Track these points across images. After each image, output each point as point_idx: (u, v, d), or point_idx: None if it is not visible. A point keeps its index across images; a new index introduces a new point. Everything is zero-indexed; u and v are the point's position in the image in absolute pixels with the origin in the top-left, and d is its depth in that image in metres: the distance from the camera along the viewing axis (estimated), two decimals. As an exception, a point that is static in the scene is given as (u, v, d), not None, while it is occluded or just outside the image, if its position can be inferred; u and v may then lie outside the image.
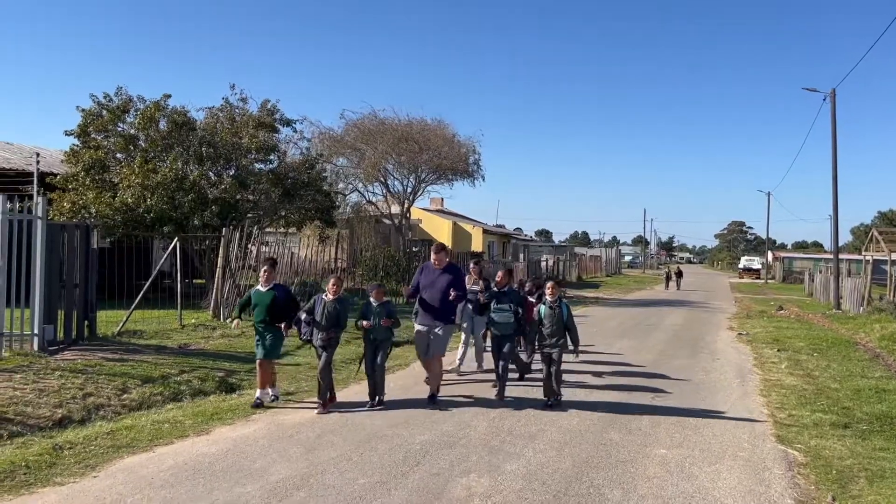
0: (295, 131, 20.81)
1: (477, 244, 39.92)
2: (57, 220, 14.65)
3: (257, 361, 8.42)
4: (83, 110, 17.44)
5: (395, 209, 30.76)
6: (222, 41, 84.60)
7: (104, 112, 17.41)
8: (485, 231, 42.91)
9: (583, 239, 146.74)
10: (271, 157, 19.14)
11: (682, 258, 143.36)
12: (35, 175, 14.84)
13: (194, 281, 19.33)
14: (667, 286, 41.88)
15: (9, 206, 9.86)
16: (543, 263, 42.38)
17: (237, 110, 18.92)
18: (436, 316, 8.73)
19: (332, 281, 8.44)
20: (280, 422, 7.56)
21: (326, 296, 8.32)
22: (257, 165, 18.78)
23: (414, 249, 27.76)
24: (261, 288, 8.46)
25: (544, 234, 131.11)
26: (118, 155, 17.60)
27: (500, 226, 59.70)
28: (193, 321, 14.28)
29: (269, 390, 8.44)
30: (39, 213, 10.29)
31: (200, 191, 16.89)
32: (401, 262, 24.98)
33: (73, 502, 5.08)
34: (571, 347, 8.65)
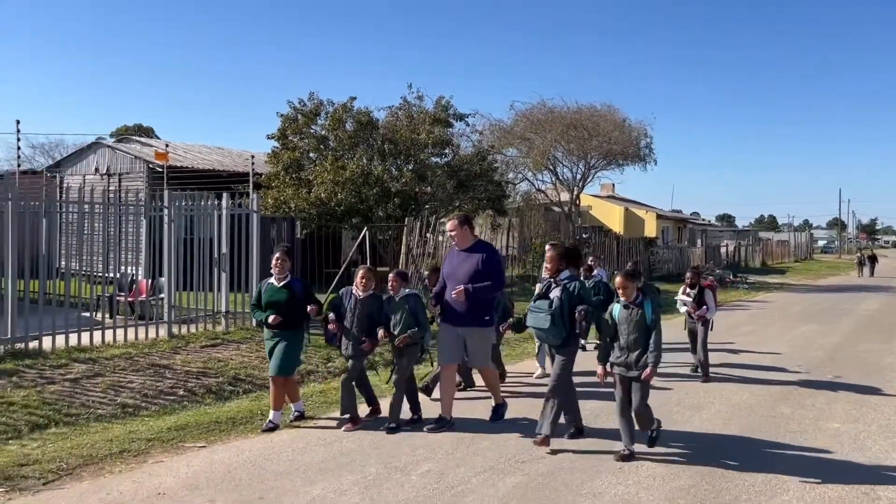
0: (467, 125, 21.80)
1: (650, 230, 39.11)
2: (264, 214, 16.64)
3: (270, 377, 6.75)
4: (282, 115, 19.49)
5: (565, 196, 31.02)
6: (399, 41, 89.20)
7: (299, 116, 19.34)
8: (658, 216, 41.88)
9: (769, 223, 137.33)
10: (446, 150, 20.23)
11: (886, 241, 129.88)
12: (251, 175, 16.96)
13: (378, 268, 20.95)
14: (860, 273, 38.57)
15: (231, 202, 11.55)
16: (723, 249, 40.60)
17: (415, 108, 20.18)
18: (460, 319, 6.51)
19: (359, 273, 6.69)
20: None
21: (356, 290, 6.63)
22: (434, 159, 19.94)
23: (584, 236, 27.93)
24: (274, 282, 6.70)
25: (726, 219, 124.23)
26: (311, 154, 19.48)
27: (677, 211, 57.71)
28: (380, 303, 15.64)
29: (292, 406, 6.93)
30: (254, 208, 11.92)
31: (384, 185, 18.31)
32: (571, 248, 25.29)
33: (316, 435, 6.16)
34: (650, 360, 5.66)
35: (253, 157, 18.47)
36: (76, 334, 9.18)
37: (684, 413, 7.26)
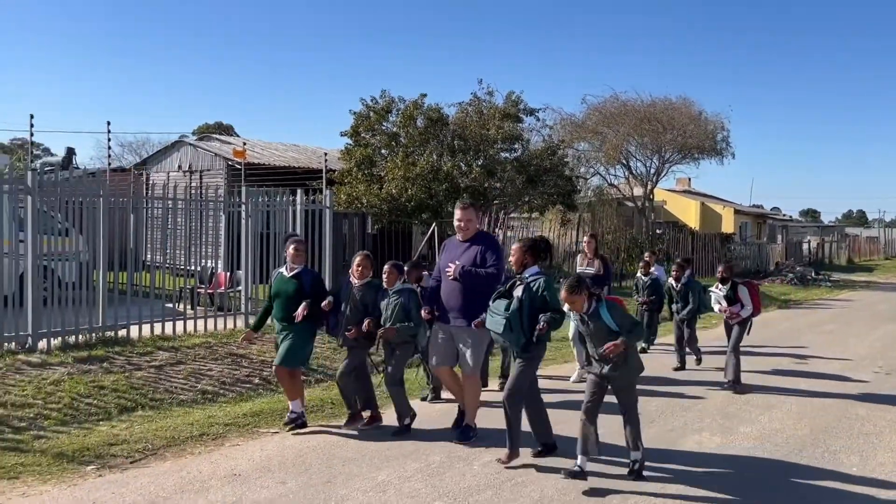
0: (538, 120, 21.73)
1: (728, 225, 38.00)
2: (337, 209, 17.08)
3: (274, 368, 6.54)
4: (355, 113, 19.91)
5: (638, 191, 30.50)
6: (469, 36, 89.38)
7: (371, 114, 19.72)
8: (736, 211, 40.62)
9: (858, 218, 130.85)
10: (516, 145, 20.23)
11: None
12: (324, 172, 17.45)
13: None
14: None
15: (305, 198, 11.93)
16: (805, 246, 39.09)
17: (484, 104, 20.26)
18: (456, 315, 5.89)
19: (356, 259, 6.38)
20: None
21: (352, 278, 6.35)
22: (503, 154, 19.98)
23: (658, 232, 27.41)
24: (284, 272, 6.46)
25: (810, 214, 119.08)
26: (383, 151, 19.84)
27: (757, 205, 55.80)
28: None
29: (290, 404, 6.49)
30: (327, 204, 12.28)
31: (453, 180, 18.48)
32: (644, 244, 24.87)
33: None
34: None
35: (326, 154, 18.96)
36: (160, 324, 9.68)
37: (753, 411, 7.13)
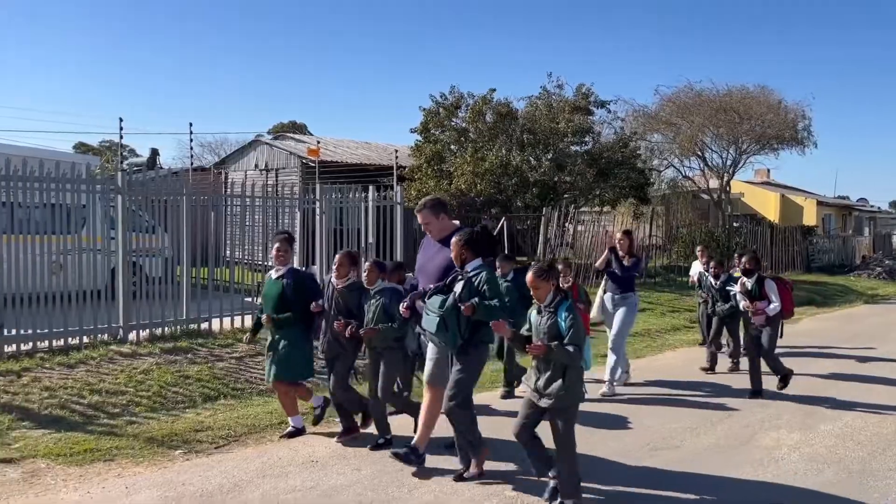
0: (609, 112, 21.43)
1: (809, 217, 36.54)
2: (408, 205, 17.32)
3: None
4: (424, 110, 20.10)
5: (714, 183, 29.68)
6: (539, 30, 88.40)
7: (441, 110, 19.87)
8: (819, 203, 39.01)
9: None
10: (586, 138, 20.02)
11: None
12: (394, 168, 17.72)
13: (517, 258, 21.15)
14: None
15: (376, 194, 12.17)
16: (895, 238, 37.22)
17: (554, 97, 20.13)
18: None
19: (336, 259, 5.87)
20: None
21: (333, 278, 5.85)
22: (573, 148, 19.80)
23: (735, 225, 26.63)
24: (272, 274, 6.06)
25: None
26: (452, 147, 19.97)
27: (842, 197, 53.39)
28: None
29: (290, 420, 6.10)
30: (398, 200, 12.48)
31: (522, 175, 18.45)
32: (720, 238, 24.22)
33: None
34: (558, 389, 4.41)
35: (397, 151, 19.23)
36: (240, 317, 10.06)
37: (836, 409, 6.90)
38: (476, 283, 4.80)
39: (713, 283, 9.23)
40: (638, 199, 21.42)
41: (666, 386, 8.03)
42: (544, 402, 4.43)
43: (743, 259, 8.02)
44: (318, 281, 6.51)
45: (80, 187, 8.82)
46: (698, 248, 10.98)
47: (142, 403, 6.76)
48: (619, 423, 6.43)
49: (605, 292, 7.98)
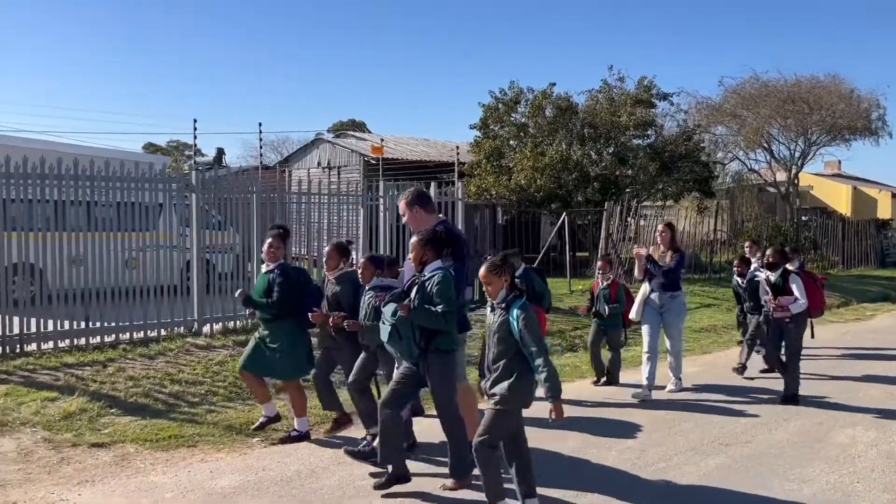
0: (672, 104, 21.08)
1: (884, 210, 35.14)
2: (467, 201, 17.42)
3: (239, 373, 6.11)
4: (483, 105, 20.15)
5: (781, 176, 28.85)
6: (600, 22, 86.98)
7: (500, 105, 19.89)
8: (894, 195, 37.51)
9: None
10: (648, 132, 19.77)
11: None
12: (455, 164, 17.86)
13: (577, 253, 21.02)
14: None
15: (437, 190, 12.30)
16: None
17: (615, 90, 19.91)
18: None
19: (326, 251, 5.75)
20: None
21: (325, 272, 5.73)
22: (635, 141, 19.57)
23: (804, 219, 25.85)
24: (263, 268, 5.86)
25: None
26: (511, 142, 19.96)
27: (918, 189, 51.10)
28: (580, 288, 15.75)
29: (263, 409, 5.92)
30: (459, 196, 12.59)
31: (583, 169, 18.32)
32: (788, 232, 23.56)
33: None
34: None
35: (458, 147, 19.35)
36: (308, 311, 10.32)
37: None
38: (428, 287, 4.47)
39: (739, 281, 8.71)
40: (702, 193, 21.03)
41: (735, 380, 7.91)
42: (490, 403, 4.14)
43: (767, 252, 7.45)
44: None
45: (157, 186, 9.22)
46: (746, 243, 10.37)
47: (219, 393, 7.03)
48: (686, 418, 6.38)
49: (650, 291, 7.25)
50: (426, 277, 4.52)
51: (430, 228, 4.76)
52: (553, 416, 4.03)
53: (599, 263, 8.06)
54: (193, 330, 9.08)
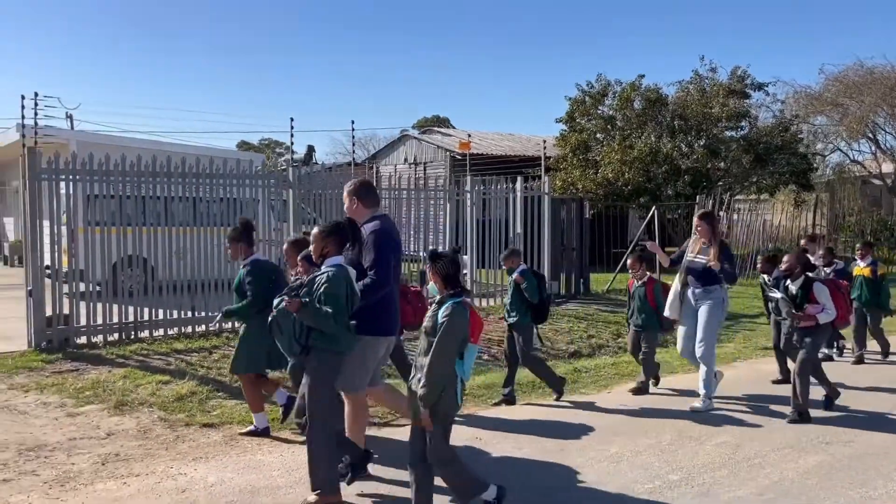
0: (767, 94, 20.41)
1: None
2: (553, 196, 17.36)
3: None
4: (570, 99, 20.03)
5: (887, 167, 27.34)
6: (690, 11, 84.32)
7: (587, 98, 19.72)
8: None
9: None
10: (742, 123, 19.19)
11: None
12: (542, 158, 17.85)
13: (666, 248, 20.60)
14: None
15: (523, 185, 12.34)
16: None
17: (707, 81, 19.41)
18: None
19: (284, 248, 5.50)
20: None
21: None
22: (728, 133, 19.04)
23: (911, 212, 24.41)
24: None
25: None
26: (598, 135, 19.77)
27: None
28: (670, 283, 15.46)
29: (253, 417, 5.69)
30: (546, 190, 12.58)
31: (673, 162, 17.96)
32: (894, 227, 22.31)
33: (609, 402, 6.61)
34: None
35: (545, 141, 19.31)
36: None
37: None
38: (316, 285, 4.17)
39: (766, 279, 7.62)
40: (800, 186, 20.27)
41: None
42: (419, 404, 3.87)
43: (784, 258, 6.54)
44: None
45: (257, 182, 9.66)
46: (858, 245, 9.67)
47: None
48: (783, 414, 6.22)
49: (683, 285, 6.56)
50: (318, 273, 4.25)
51: (333, 221, 4.57)
52: (423, 420, 3.87)
53: (630, 261, 7.40)
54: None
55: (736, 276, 6.67)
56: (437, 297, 3.96)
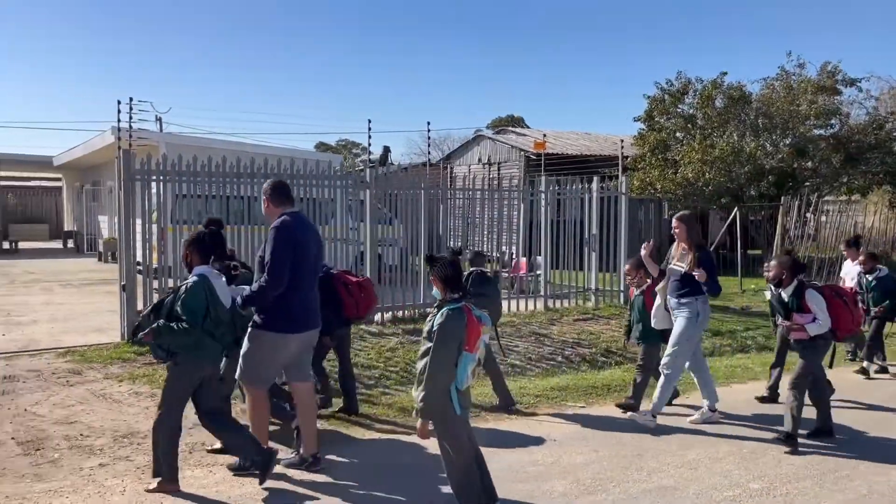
0: (860, 91, 19.43)
1: None
2: (631, 196, 17.05)
3: None
4: (648, 97, 19.60)
5: None
6: (772, 9, 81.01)
7: (666, 97, 19.25)
8: None
9: None
10: (832, 121, 18.35)
11: None
12: (620, 158, 17.57)
13: (748, 251, 19.90)
14: None
15: (600, 185, 12.17)
16: None
17: (794, 77, 18.67)
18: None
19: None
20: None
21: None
22: (816, 131, 18.25)
23: None
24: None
25: None
26: (678, 134, 19.26)
27: None
28: (753, 287, 14.94)
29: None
30: (623, 190, 12.37)
31: (756, 162, 17.34)
32: None
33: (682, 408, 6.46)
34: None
35: (622, 140, 18.99)
36: (471, 303, 10.63)
37: None
38: (178, 293, 4.36)
39: (774, 289, 6.31)
40: (894, 188, 19.22)
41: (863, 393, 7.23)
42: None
43: (770, 263, 6.10)
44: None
45: (336, 182, 9.87)
46: (865, 252, 8.58)
47: (391, 377, 7.47)
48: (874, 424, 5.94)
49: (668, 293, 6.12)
50: (182, 283, 4.50)
51: (199, 230, 4.67)
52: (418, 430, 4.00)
53: (626, 268, 6.92)
54: (366, 318, 9.63)
55: (719, 288, 6.10)
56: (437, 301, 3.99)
